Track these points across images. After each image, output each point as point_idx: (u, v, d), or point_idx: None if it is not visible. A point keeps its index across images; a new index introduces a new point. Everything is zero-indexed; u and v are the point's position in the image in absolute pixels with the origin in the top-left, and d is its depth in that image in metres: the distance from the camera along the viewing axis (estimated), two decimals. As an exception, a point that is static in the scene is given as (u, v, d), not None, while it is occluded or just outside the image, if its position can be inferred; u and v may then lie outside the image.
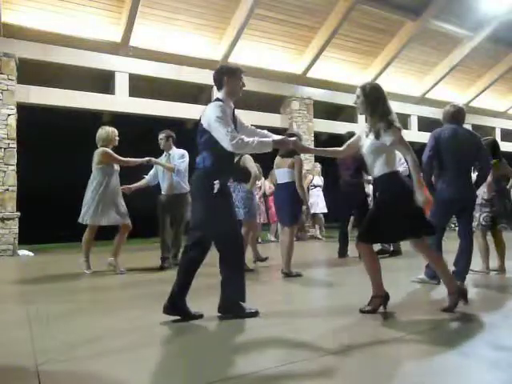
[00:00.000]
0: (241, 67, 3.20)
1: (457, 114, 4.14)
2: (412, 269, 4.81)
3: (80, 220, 5.15)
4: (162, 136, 5.56)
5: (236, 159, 4.92)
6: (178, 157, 5.53)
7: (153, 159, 5.32)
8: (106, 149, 5.07)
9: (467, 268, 4.03)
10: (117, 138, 5.22)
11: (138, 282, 4.62)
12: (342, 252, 6.26)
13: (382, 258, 6.19)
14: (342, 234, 6.43)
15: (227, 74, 3.07)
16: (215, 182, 2.87)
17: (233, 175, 3.34)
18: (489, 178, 4.59)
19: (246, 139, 2.84)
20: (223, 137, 2.83)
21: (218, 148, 2.89)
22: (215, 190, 2.86)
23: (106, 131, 5.15)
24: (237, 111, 3.13)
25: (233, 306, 2.97)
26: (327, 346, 2.34)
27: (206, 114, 2.97)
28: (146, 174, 5.61)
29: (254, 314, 2.96)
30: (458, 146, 4.01)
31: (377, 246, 6.56)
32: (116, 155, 5.07)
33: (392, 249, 6.42)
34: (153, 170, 5.62)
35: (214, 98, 3.12)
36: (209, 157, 2.95)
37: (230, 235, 2.99)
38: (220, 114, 2.85)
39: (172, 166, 5.43)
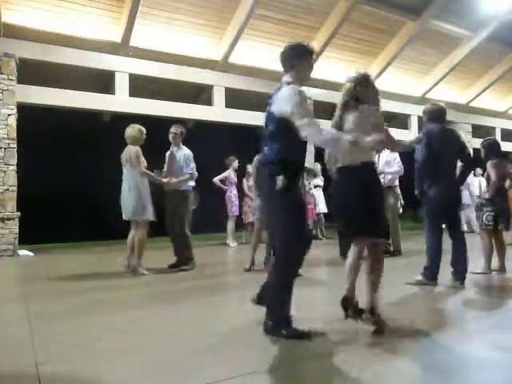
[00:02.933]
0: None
1: (440, 113, 4.19)
2: (411, 269, 4.80)
3: (127, 217, 5.04)
4: (176, 130, 5.50)
5: None
6: (186, 158, 5.46)
7: (172, 180, 5.31)
8: (137, 148, 5.07)
9: (466, 267, 4.04)
10: (144, 137, 5.24)
11: (140, 282, 4.62)
12: (344, 252, 6.23)
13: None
14: (342, 233, 6.41)
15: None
16: (278, 177, 2.48)
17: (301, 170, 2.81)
18: (493, 178, 4.61)
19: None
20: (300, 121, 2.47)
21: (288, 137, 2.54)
22: (278, 187, 2.48)
23: (135, 129, 5.18)
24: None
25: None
26: (324, 347, 2.34)
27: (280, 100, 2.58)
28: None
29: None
30: (447, 146, 4.04)
31: None
32: (143, 163, 5.05)
33: (392, 249, 6.41)
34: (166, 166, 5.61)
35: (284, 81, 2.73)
36: (277, 147, 2.57)
37: (283, 244, 2.61)
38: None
39: (188, 176, 5.40)
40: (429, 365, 2.09)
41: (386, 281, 4.22)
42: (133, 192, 4.97)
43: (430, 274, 4.04)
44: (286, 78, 2.74)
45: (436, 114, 4.18)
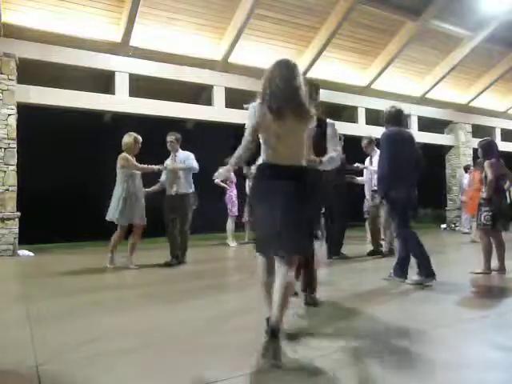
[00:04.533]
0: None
1: (399, 116, 4.30)
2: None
3: (108, 218, 5.36)
4: (172, 138, 5.70)
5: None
6: (185, 158, 5.70)
7: (167, 167, 5.62)
8: (125, 154, 5.35)
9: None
10: (139, 146, 5.48)
11: (141, 282, 4.62)
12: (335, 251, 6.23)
13: (375, 258, 6.20)
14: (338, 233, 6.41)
15: None
16: None
17: None
18: (490, 177, 4.60)
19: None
20: None
21: None
22: None
23: (131, 138, 5.42)
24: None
25: None
26: (325, 347, 2.34)
27: None
28: (159, 178, 5.88)
29: None
30: (406, 148, 4.15)
31: (369, 246, 6.65)
32: (132, 161, 5.33)
33: (384, 249, 6.44)
34: (163, 173, 5.83)
35: None
36: None
37: None
38: None
39: (183, 166, 5.62)
40: (428, 365, 2.09)
41: (383, 281, 4.24)
42: (121, 198, 5.23)
43: (425, 270, 4.03)
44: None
45: (395, 117, 4.30)
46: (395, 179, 4.08)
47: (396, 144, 4.13)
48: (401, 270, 4.19)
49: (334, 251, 6.14)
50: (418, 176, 4.27)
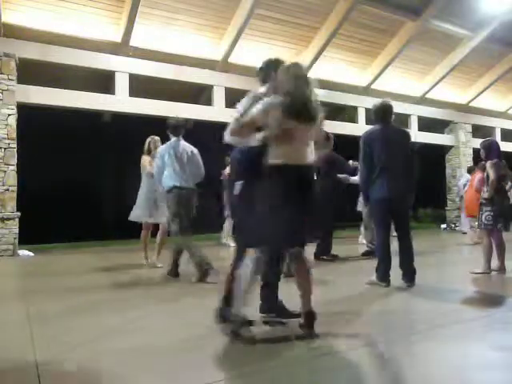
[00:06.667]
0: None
1: (382, 112, 4.07)
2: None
3: (134, 219, 5.44)
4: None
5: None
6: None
7: None
8: (144, 156, 5.51)
9: (413, 268, 3.96)
10: (157, 145, 5.44)
11: (140, 282, 4.62)
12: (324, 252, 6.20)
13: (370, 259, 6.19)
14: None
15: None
16: None
17: None
18: (492, 177, 4.59)
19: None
20: None
21: None
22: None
23: (147, 141, 5.57)
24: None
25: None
26: (326, 346, 2.34)
27: None
28: None
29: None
30: (388, 147, 3.93)
31: (363, 247, 6.66)
32: (147, 166, 5.40)
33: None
34: None
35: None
36: None
37: None
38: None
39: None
40: (429, 364, 2.09)
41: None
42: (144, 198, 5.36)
43: (380, 274, 3.99)
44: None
45: (378, 114, 4.10)
46: (369, 180, 3.95)
47: (365, 146, 3.96)
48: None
49: (325, 251, 6.14)
50: (409, 182, 3.99)
